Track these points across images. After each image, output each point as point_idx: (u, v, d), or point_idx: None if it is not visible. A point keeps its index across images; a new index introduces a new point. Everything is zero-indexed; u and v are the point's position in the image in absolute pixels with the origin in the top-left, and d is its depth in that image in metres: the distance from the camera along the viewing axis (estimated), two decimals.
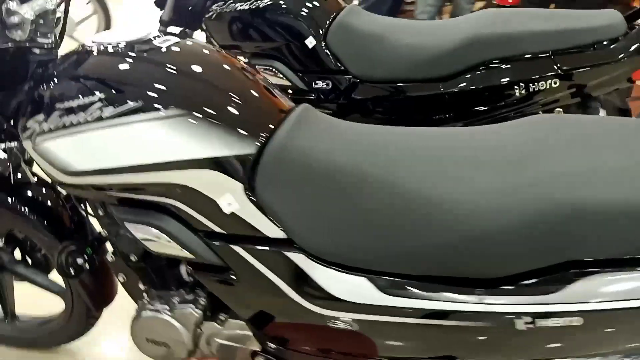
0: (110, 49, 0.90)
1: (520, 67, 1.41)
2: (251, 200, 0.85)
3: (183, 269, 1.10)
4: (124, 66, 0.87)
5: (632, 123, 0.83)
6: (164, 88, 0.85)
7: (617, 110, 1.46)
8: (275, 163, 0.85)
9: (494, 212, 0.71)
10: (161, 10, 1.97)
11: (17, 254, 1.43)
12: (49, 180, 1.02)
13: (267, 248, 0.87)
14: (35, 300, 1.56)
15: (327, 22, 1.64)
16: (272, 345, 1.02)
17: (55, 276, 1.40)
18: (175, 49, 0.92)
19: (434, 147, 0.84)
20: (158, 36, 0.96)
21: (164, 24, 1.96)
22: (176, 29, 2.03)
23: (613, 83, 1.41)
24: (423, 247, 0.75)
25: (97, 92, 0.84)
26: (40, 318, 1.54)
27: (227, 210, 0.86)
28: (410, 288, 0.78)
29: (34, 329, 1.53)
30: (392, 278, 0.79)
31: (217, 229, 0.89)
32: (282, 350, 1.01)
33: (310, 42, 1.63)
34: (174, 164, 0.84)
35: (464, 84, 1.45)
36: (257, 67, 1.75)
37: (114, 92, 0.84)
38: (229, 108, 0.86)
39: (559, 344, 0.73)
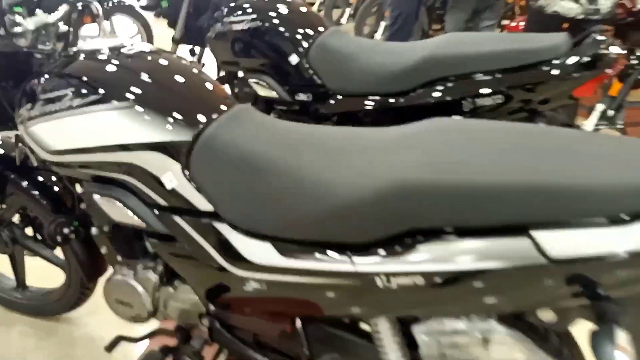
0: (87, 54, 1.13)
1: (469, 84, 1.55)
2: (187, 179, 1.04)
3: (148, 242, 1.30)
4: (92, 66, 1.09)
5: (523, 128, 0.96)
6: (120, 84, 1.06)
7: (562, 127, 1.56)
8: (206, 149, 1.04)
9: (357, 189, 0.86)
10: (174, 30, 2.23)
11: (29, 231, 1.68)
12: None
13: (199, 219, 1.05)
14: (42, 274, 1.82)
15: (310, 42, 1.84)
16: (212, 308, 1.19)
17: (59, 252, 1.65)
18: (138, 55, 1.13)
19: (334, 140, 1.00)
20: (129, 45, 1.18)
21: (175, 42, 2.23)
22: (187, 47, 2.30)
23: (556, 100, 1.52)
24: (306, 217, 0.91)
25: (69, 86, 1.06)
26: (44, 289, 1.79)
27: (168, 186, 1.05)
28: (300, 251, 0.94)
29: (39, 298, 1.77)
30: (288, 243, 0.95)
31: (162, 202, 1.08)
32: (221, 312, 1.18)
33: (294, 59, 1.84)
34: (126, 146, 1.04)
35: (420, 98, 1.61)
36: (250, 80, 1.97)
37: (81, 86, 1.06)
38: (172, 102, 1.07)
39: (411, 301, 0.87)
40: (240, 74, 2.07)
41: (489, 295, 0.81)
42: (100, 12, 1.74)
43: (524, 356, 0.88)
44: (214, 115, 1.09)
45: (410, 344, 0.99)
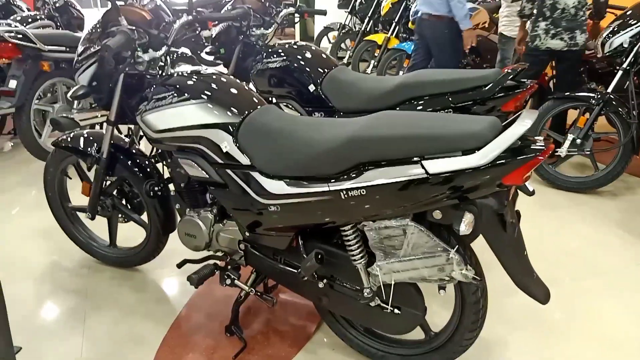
0: (178, 74, 1.88)
1: (430, 102, 2.23)
2: (236, 145, 1.74)
3: (208, 195, 2.00)
4: (182, 80, 1.84)
5: (420, 113, 1.60)
6: (198, 89, 1.79)
7: None
8: (247, 127, 1.74)
9: (328, 142, 1.53)
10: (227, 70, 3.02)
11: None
12: (146, 149, 1.98)
13: (242, 170, 1.74)
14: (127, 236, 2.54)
15: (323, 75, 2.57)
16: (247, 234, 1.86)
17: (143, 217, 2.37)
18: (209, 74, 1.87)
19: (321, 122, 1.68)
20: (206, 69, 1.92)
21: None
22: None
23: (489, 112, 2.17)
24: (302, 161, 1.58)
25: (168, 91, 1.81)
26: (129, 247, 2.50)
27: (224, 150, 1.76)
28: (299, 183, 1.60)
29: (125, 253, 2.48)
30: (292, 179, 1.62)
31: (220, 161, 1.78)
32: (252, 236, 1.85)
33: (312, 88, 2.56)
34: (200, 125, 1.76)
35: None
36: (280, 103, 2.71)
37: (176, 91, 1.80)
38: (228, 100, 1.79)
39: (360, 207, 1.50)
40: (274, 100, 2.82)
41: (400, 198, 1.46)
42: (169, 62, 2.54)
43: (425, 240, 1.50)
44: (252, 109, 1.80)
45: (364, 241, 1.64)
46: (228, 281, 1.97)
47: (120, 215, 2.42)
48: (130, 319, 2.17)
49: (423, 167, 1.41)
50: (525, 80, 2.20)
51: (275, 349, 1.99)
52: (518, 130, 1.37)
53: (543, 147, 1.36)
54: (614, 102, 3.32)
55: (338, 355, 1.97)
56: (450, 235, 1.55)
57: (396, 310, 1.69)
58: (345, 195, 1.52)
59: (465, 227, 1.40)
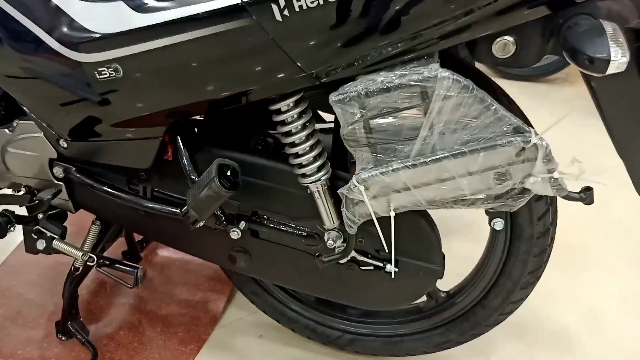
0: None
1: None
2: None
3: None
4: None
5: None
6: None
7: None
8: None
9: None
10: None
11: None
12: None
13: None
14: None
15: None
16: (64, 145, 0.88)
17: None
18: None
19: None
20: None
21: None
22: None
23: None
24: None
25: None
26: None
27: None
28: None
29: None
30: None
31: None
32: (76, 147, 0.87)
33: None
34: None
35: None
36: None
37: None
38: None
39: (328, 39, 0.62)
40: None
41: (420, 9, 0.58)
42: None
43: (475, 111, 0.65)
44: None
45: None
46: (41, 245, 0.98)
47: None
48: None
49: None
50: None
51: (156, 355, 1.08)
52: None
53: None
54: None
55: (272, 346, 1.12)
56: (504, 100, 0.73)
57: (390, 267, 0.86)
58: (284, 7, 0.61)
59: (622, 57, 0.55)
